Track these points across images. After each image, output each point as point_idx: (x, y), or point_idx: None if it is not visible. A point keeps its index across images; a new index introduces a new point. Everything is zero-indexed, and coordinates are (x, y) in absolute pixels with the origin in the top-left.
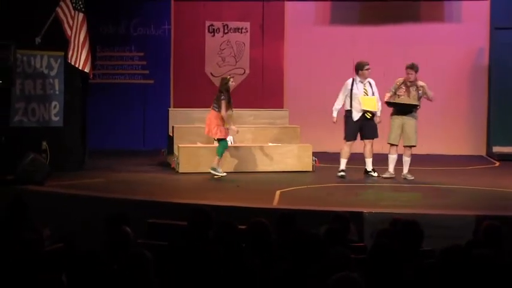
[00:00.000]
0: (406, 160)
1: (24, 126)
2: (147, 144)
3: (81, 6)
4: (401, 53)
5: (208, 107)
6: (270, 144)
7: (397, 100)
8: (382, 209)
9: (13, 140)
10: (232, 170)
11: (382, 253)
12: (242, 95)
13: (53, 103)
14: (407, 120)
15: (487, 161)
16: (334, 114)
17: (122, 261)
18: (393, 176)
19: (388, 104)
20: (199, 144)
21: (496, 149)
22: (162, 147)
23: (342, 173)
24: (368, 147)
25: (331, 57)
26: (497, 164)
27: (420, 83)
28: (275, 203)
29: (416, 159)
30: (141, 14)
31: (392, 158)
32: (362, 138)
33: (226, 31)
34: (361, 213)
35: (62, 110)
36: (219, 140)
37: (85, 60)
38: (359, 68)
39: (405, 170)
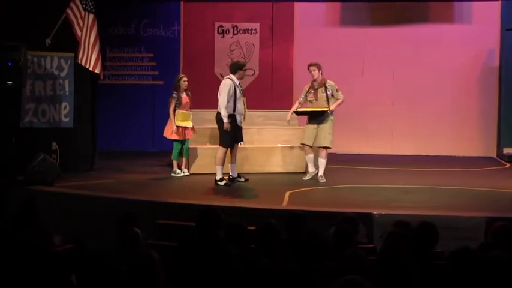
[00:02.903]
0: (321, 162)
1: (34, 127)
2: (156, 145)
3: (91, 7)
4: (411, 54)
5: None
6: (279, 145)
7: (303, 109)
8: (392, 210)
9: (23, 141)
10: (241, 171)
11: (392, 255)
12: (251, 96)
13: (63, 104)
14: (321, 123)
15: (497, 162)
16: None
17: (129, 262)
18: (315, 173)
19: (296, 113)
20: (208, 145)
21: (507, 150)
22: (171, 148)
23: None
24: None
25: (340, 58)
26: (508, 165)
27: (329, 82)
28: (284, 204)
29: (426, 160)
30: (150, 15)
31: (308, 158)
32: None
33: (235, 32)
34: (370, 214)
35: (72, 111)
36: (173, 142)
37: (95, 61)
38: (239, 68)
39: (320, 171)
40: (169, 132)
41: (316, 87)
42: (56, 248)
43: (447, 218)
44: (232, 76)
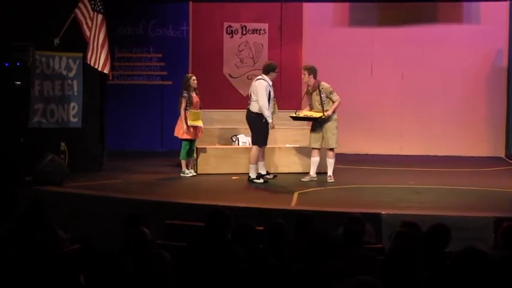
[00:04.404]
0: (329, 162)
1: (42, 127)
2: (165, 146)
3: (100, 7)
4: (419, 54)
5: (227, 108)
6: (288, 145)
7: (299, 114)
8: (400, 210)
9: (32, 141)
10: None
11: (400, 254)
12: None
13: (72, 104)
14: (325, 124)
15: (506, 162)
16: (271, 120)
17: (140, 262)
18: (314, 179)
19: (293, 118)
20: (217, 146)
21: None
22: (180, 148)
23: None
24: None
25: (349, 58)
26: None
27: (323, 85)
28: (293, 204)
29: (433, 160)
30: (159, 15)
31: (314, 161)
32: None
33: (244, 32)
34: (379, 214)
35: (81, 111)
36: (182, 141)
37: (104, 61)
38: (271, 70)
39: (328, 172)
40: (181, 132)
41: (310, 91)
42: (64, 248)
43: (455, 218)
44: (265, 77)
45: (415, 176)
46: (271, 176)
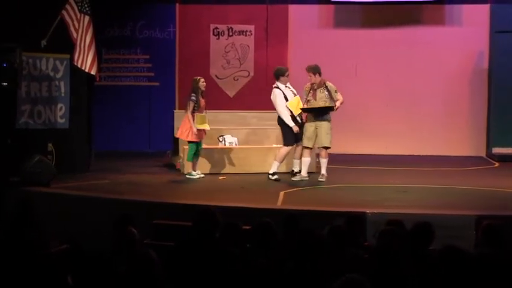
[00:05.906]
0: (322, 162)
1: (30, 128)
2: (153, 146)
3: (87, 9)
4: (403, 56)
5: (214, 109)
6: (275, 145)
7: (310, 105)
8: (385, 209)
9: (19, 142)
10: (237, 172)
11: (385, 252)
12: (246, 97)
13: (59, 105)
14: (319, 123)
15: (487, 161)
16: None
17: (127, 262)
18: (306, 178)
19: (303, 110)
20: (204, 146)
21: (496, 150)
22: (167, 148)
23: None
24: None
25: (334, 60)
26: (497, 164)
27: (329, 83)
28: (279, 203)
29: (417, 160)
30: (146, 16)
31: (305, 161)
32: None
33: (230, 34)
34: (364, 213)
35: (68, 112)
36: (189, 143)
37: (91, 62)
38: (280, 74)
39: (322, 170)
40: (185, 134)
41: (315, 88)
42: (52, 248)
43: (438, 216)
44: (278, 83)
45: (400, 175)
46: (274, 178)
